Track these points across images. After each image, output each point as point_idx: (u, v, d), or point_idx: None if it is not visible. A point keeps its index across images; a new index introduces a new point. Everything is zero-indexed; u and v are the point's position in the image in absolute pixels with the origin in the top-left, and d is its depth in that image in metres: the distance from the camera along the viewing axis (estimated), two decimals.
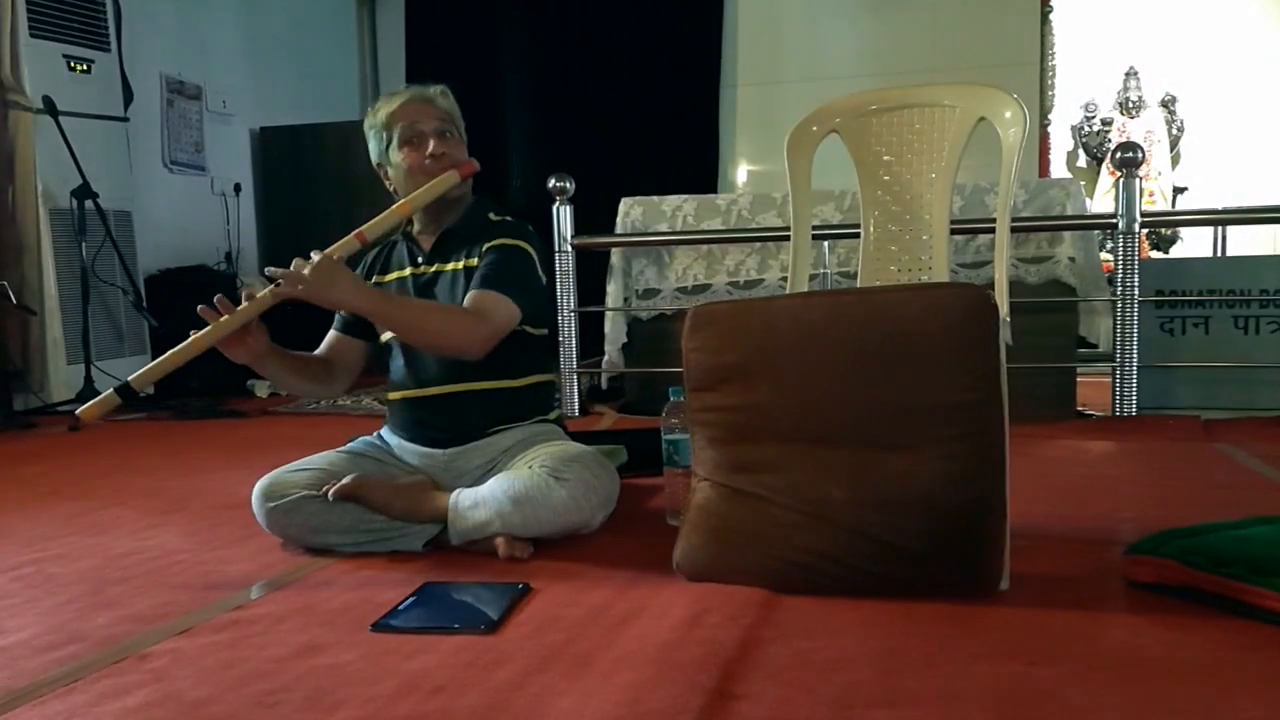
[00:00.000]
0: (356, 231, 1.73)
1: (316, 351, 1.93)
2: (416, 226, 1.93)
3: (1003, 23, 5.27)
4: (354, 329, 1.93)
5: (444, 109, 1.87)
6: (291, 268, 1.64)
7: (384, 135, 1.86)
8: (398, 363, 1.88)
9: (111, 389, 1.62)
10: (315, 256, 1.64)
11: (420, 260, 1.90)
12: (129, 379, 1.62)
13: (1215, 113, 5.25)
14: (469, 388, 1.81)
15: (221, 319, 1.62)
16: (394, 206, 1.80)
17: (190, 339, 1.63)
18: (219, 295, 1.65)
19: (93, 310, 3.72)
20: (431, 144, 1.83)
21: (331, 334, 1.95)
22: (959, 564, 1.41)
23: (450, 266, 1.87)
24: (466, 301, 1.77)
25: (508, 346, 1.80)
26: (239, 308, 1.64)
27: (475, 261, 1.83)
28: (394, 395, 1.89)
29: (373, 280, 1.93)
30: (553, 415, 1.95)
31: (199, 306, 1.64)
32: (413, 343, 1.80)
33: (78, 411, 1.62)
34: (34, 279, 3.72)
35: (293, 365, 1.82)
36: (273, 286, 1.64)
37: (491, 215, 1.91)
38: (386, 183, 1.92)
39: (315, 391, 1.94)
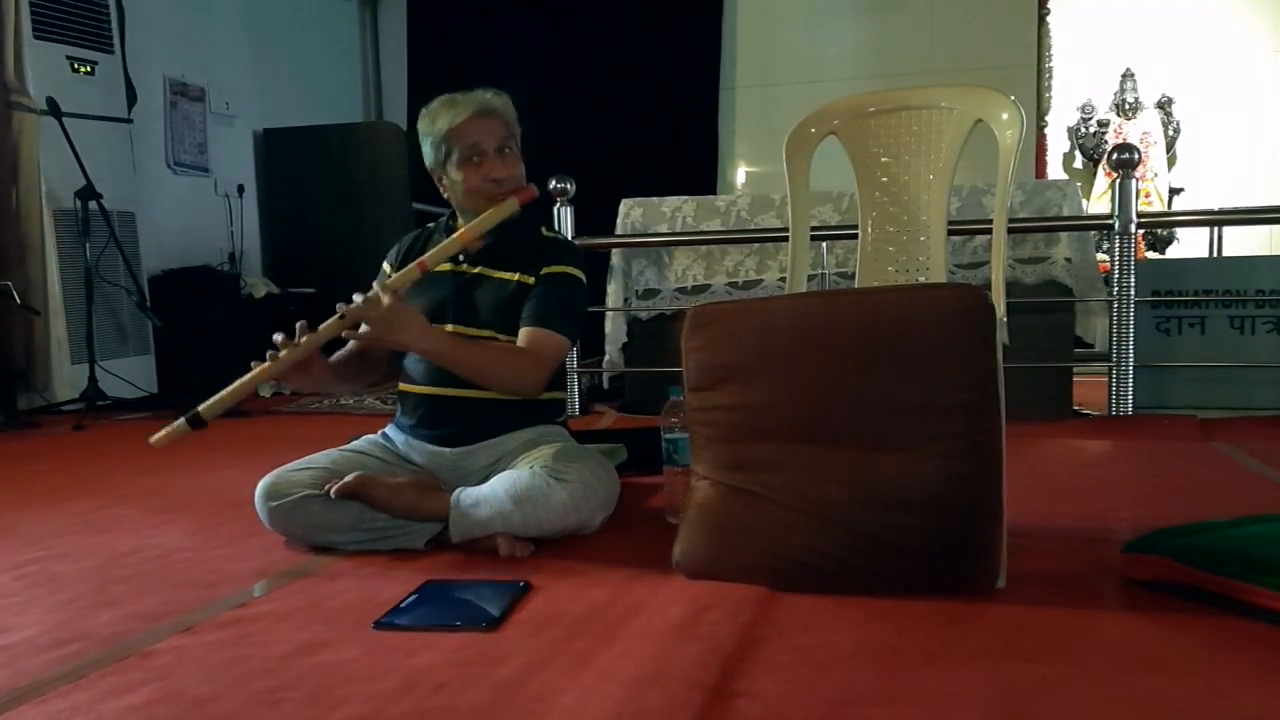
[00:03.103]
0: (418, 261, 1.76)
1: (348, 346, 1.92)
2: (462, 223, 1.88)
3: (1000, 25, 5.29)
4: None
5: (506, 120, 1.83)
6: (358, 301, 1.67)
7: (442, 147, 1.81)
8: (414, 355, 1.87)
9: (182, 419, 1.65)
10: (377, 288, 1.67)
11: (463, 259, 1.87)
12: (199, 409, 1.65)
13: (1211, 114, 5.26)
14: (488, 395, 1.80)
15: (283, 352, 1.67)
16: (454, 236, 1.79)
17: (256, 369, 1.66)
18: (280, 337, 1.68)
19: (96, 310, 3.73)
20: (494, 166, 1.80)
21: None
22: (956, 562, 1.42)
23: (497, 274, 1.84)
24: (522, 339, 1.78)
25: None
26: (304, 339, 1.68)
27: (530, 280, 1.82)
28: (408, 388, 1.88)
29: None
30: (560, 418, 1.95)
31: (276, 336, 1.68)
32: (474, 382, 1.79)
33: (150, 440, 1.66)
34: (38, 279, 3.73)
35: (342, 374, 1.88)
36: (338, 318, 1.68)
37: (544, 230, 1.91)
38: (440, 188, 1.89)
39: (359, 388, 1.97)
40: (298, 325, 1.69)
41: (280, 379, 1.71)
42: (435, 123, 1.81)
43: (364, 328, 1.68)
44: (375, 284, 1.70)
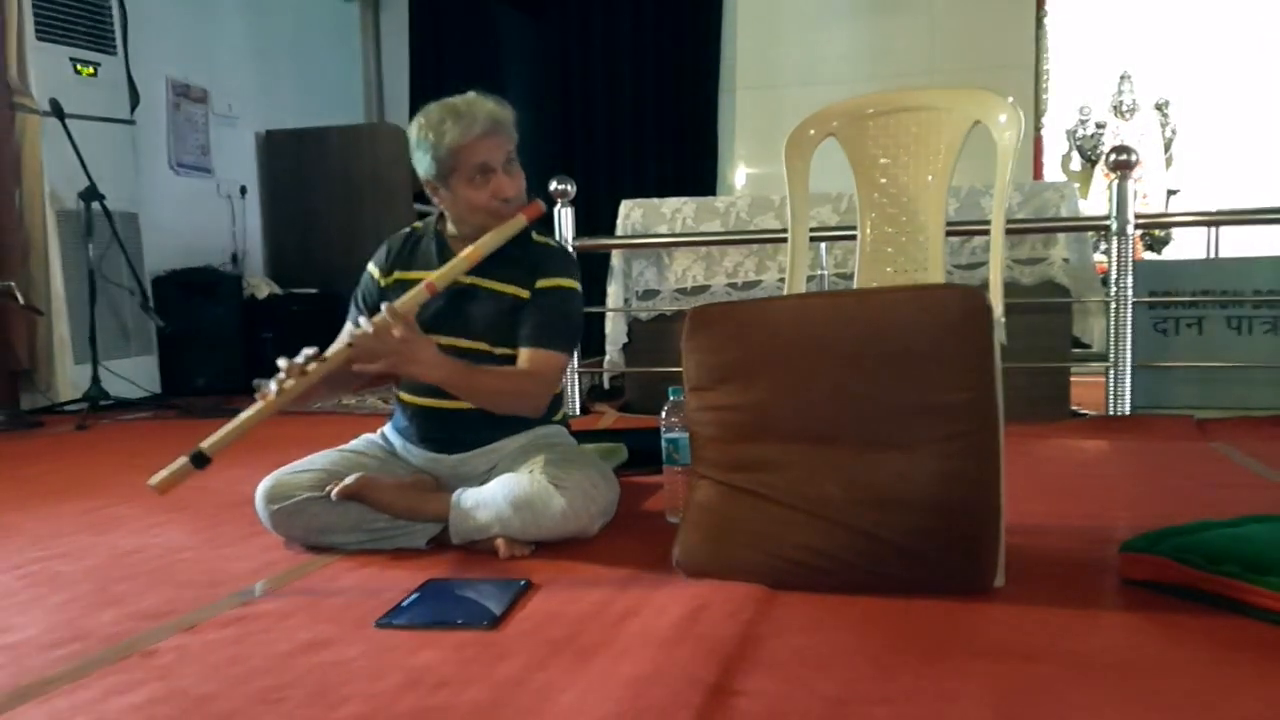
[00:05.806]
0: (426, 283, 1.67)
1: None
2: (452, 230, 1.85)
3: (998, 27, 5.30)
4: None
5: (510, 133, 1.77)
6: (366, 329, 1.59)
7: (447, 163, 1.73)
8: None
9: (185, 457, 1.56)
10: (386, 314, 1.59)
11: None
12: (202, 446, 1.57)
13: (1208, 116, 5.27)
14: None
15: (289, 383, 1.60)
16: (462, 255, 1.71)
17: (261, 404, 1.60)
18: (284, 362, 1.62)
19: (99, 311, 3.74)
20: (504, 184, 1.74)
21: (349, 327, 1.89)
22: (955, 562, 1.42)
23: (489, 284, 1.79)
24: (522, 359, 1.75)
25: None
26: (311, 368, 1.62)
27: (525, 294, 1.78)
28: (408, 398, 1.86)
29: (395, 275, 1.86)
30: (557, 416, 1.95)
31: (280, 361, 1.61)
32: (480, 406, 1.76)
33: (150, 483, 1.55)
34: (41, 280, 3.75)
35: (334, 386, 1.82)
36: (348, 347, 1.63)
37: (534, 235, 1.84)
38: (434, 198, 1.82)
39: (348, 391, 1.94)
40: (305, 352, 1.63)
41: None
42: (441, 137, 1.72)
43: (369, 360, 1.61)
44: (381, 304, 1.63)
